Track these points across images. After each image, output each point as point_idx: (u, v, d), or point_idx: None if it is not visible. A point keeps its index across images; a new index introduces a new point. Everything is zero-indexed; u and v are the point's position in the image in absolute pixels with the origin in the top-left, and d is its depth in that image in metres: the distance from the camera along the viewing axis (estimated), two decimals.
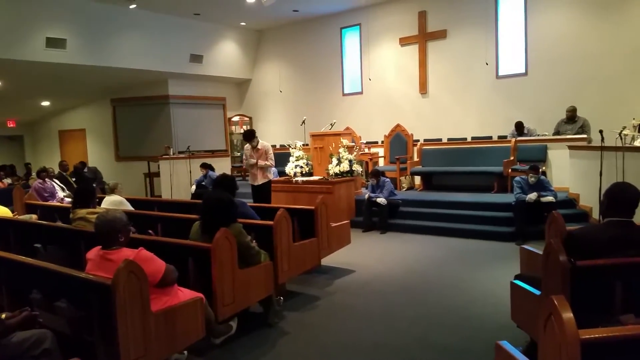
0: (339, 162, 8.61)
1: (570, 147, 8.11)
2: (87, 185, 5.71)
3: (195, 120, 14.46)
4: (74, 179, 10.95)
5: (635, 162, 5.84)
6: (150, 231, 4.76)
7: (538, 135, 9.59)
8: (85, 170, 12.39)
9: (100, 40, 11.49)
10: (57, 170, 10.80)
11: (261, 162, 7.64)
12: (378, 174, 8.50)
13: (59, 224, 5.58)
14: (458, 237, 7.49)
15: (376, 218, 8.27)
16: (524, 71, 10.59)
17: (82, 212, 4.81)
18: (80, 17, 11.00)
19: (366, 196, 8.38)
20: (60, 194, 9.18)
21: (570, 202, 7.73)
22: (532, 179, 7.07)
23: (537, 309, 2.84)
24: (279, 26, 14.41)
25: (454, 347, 3.77)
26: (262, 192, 7.78)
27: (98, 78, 12.77)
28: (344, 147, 8.76)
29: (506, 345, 2.41)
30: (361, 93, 13.17)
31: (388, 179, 8.63)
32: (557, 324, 1.87)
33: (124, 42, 11.95)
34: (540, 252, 3.09)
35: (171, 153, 12.24)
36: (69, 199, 8.42)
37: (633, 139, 6.62)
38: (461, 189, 9.55)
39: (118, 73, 12.44)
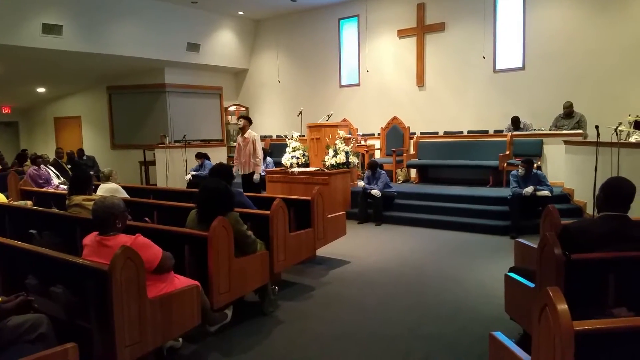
0: (336, 154, 8.61)
1: (565, 143, 8.15)
2: (83, 172, 5.68)
3: (191, 109, 14.39)
4: (69, 166, 10.90)
5: (631, 157, 5.87)
6: (146, 219, 4.75)
7: (534, 130, 9.61)
8: (84, 157, 12.34)
9: (96, 27, 11.39)
10: (52, 157, 10.74)
11: (256, 168, 7.97)
12: (375, 165, 8.50)
13: (54, 210, 5.56)
14: (453, 230, 7.53)
15: (372, 210, 8.29)
16: (521, 65, 10.60)
17: (78, 198, 4.81)
18: (77, 3, 10.90)
19: (362, 187, 8.39)
20: (56, 180, 9.14)
21: (564, 197, 7.78)
22: (521, 171, 7.12)
23: (531, 301, 2.87)
24: (277, 16, 14.34)
25: (447, 337, 3.80)
26: (249, 180, 8.01)
27: (94, 65, 12.67)
28: (340, 138, 8.76)
29: (500, 336, 2.44)
30: (358, 85, 13.13)
31: (384, 172, 8.63)
32: (551, 315, 1.89)
33: (120, 29, 11.85)
34: (535, 246, 3.11)
35: (167, 142, 12.22)
36: (64, 186, 8.39)
37: (629, 135, 6.64)
38: (457, 182, 9.59)
39: (114, 60, 12.35)
